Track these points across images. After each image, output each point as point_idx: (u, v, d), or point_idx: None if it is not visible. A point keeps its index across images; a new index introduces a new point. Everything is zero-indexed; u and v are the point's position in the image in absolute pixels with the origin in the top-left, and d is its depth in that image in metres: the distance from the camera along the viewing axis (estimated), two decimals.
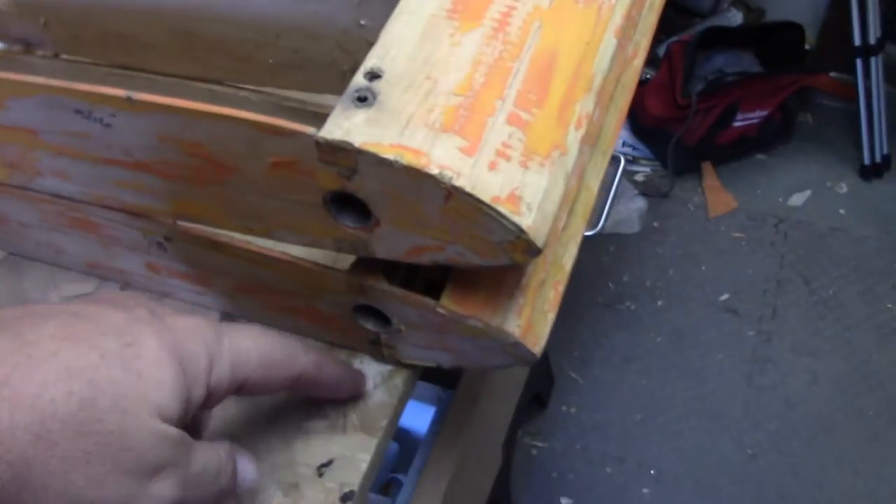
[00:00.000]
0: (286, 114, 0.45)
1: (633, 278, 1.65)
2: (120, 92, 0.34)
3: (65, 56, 0.51)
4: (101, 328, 0.30)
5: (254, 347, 0.34)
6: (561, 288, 0.39)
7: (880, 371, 1.49)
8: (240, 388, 0.34)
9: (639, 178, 1.81)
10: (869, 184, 1.77)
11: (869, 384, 1.47)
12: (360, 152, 0.31)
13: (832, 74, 1.84)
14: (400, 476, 0.62)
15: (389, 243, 0.34)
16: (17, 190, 0.41)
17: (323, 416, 0.40)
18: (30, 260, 0.47)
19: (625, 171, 1.81)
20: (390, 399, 0.41)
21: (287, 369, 0.35)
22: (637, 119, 1.80)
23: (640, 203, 1.73)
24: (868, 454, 1.38)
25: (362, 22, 0.39)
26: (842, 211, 1.74)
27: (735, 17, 1.90)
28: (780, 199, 1.76)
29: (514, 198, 0.31)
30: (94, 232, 0.42)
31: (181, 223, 0.39)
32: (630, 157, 1.83)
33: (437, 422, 0.61)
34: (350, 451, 0.39)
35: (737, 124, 1.76)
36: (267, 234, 0.37)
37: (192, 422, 0.33)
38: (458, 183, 0.30)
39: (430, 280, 0.38)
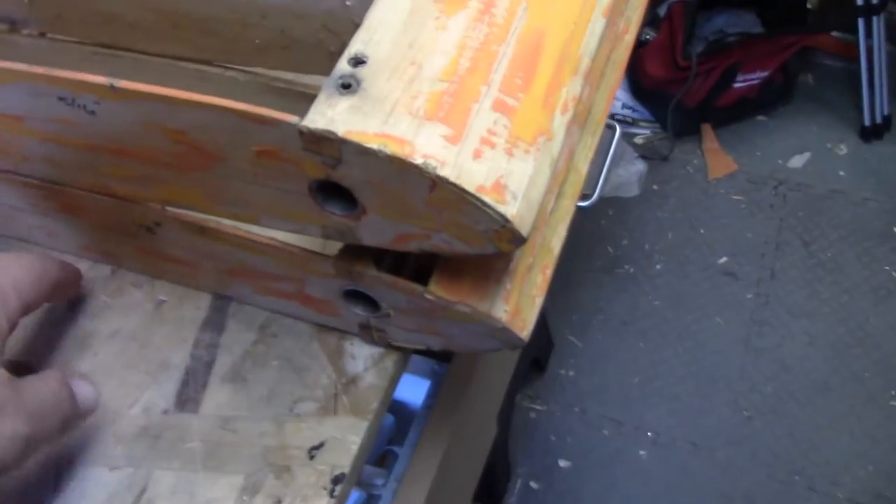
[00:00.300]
0: (274, 94, 0.45)
1: (632, 242, 1.65)
2: (102, 79, 0.33)
3: (49, 35, 0.50)
4: None
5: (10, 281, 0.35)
6: (549, 272, 0.39)
7: (876, 333, 1.49)
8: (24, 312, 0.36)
9: (638, 140, 1.80)
10: (869, 145, 1.76)
11: (865, 347, 1.48)
12: (343, 142, 0.30)
13: (834, 34, 1.82)
14: (396, 448, 0.63)
15: (376, 231, 0.34)
16: (5, 174, 0.41)
17: (314, 398, 0.41)
18: (24, 242, 0.47)
19: (624, 134, 1.80)
20: (381, 381, 0.41)
21: (48, 281, 0.38)
22: (637, 81, 1.78)
23: (640, 166, 1.72)
24: (863, 416, 1.40)
25: (347, 2, 0.39)
26: (841, 173, 1.73)
27: None
28: (780, 161, 1.76)
29: (499, 186, 0.31)
30: (83, 217, 0.42)
31: (169, 209, 0.39)
32: (629, 120, 1.81)
33: (432, 395, 0.61)
34: (341, 434, 0.39)
35: (737, 85, 1.74)
36: (254, 221, 0.37)
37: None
38: (443, 172, 0.30)
39: (419, 264, 0.38)
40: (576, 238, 1.57)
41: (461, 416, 0.61)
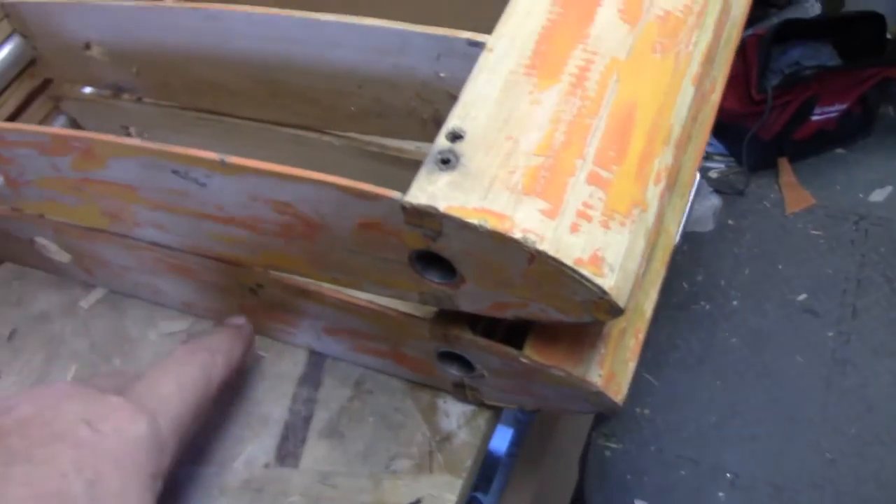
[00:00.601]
0: (368, 158, 0.47)
1: (707, 278, 1.63)
2: (213, 156, 0.35)
3: (147, 100, 0.53)
4: (61, 468, 0.31)
5: (177, 399, 0.37)
6: (641, 336, 0.39)
7: None
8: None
9: (713, 174, 1.79)
10: None
11: None
12: (444, 216, 0.32)
13: None
14: (480, 495, 0.63)
15: (473, 299, 0.35)
16: (117, 237, 0.43)
17: (409, 456, 0.42)
18: (129, 297, 0.49)
19: (698, 169, 1.78)
20: (474, 439, 0.42)
21: (211, 387, 0.39)
22: None
23: (715, 200, 1.70)
24: None
25: (441, 74, 0.40)
26: None
27: (813, 8, 1.85)
28: (861, 196, 1.72)
29: (597, 259, 0.31)
30: (189, 277, 0.44)
31: (272, 272, 0.41)
32: (704, 154, 1.80)
33: (516, 443, 0.62)
34: (437, 492, 0.40)
35: (815, 118, 1.72)
36: (355, 286, 0.38)
37: None
38: (542, 247, 0.31)
39: (511, 326, 0.39)
40: None
41: (546, 463, 0.61)
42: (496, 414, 0.43)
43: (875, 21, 1.68)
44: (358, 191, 0.33)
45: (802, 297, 1.59)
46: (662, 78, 0.37)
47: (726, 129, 1.76)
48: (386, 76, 0.41)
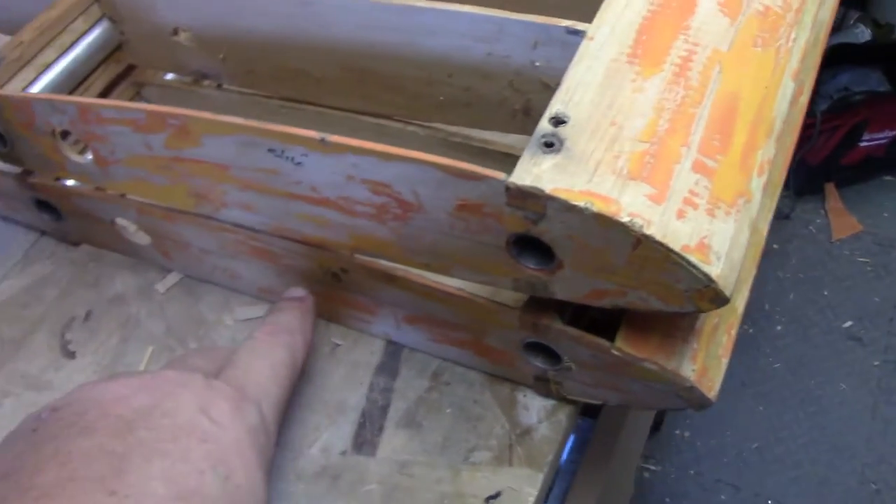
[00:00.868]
0: (452, 149, 0.46)
1: (751, 301, 1.59)
2: (313, 134, 0.35)
3: (228, 87, 0.53)
4: (197, 465, 0.30)
5: (273, 384, 0.37)
6: (733, 332, 0.38)
7: None
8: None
9: None
10: None
11: None
12: (549, 198, 0.31)
13: None
14: None
15: (570, 286, 0.35)
16: (201, 219, 0.43)
17: (489, 448, 0.41)
18: (205, 282, 0.49)
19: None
20: (555, 434, 0.41)
21: (298, 367, 0.40)
22: None
23: None
24: None
25: (537, 63, 0.40)
26: None
27: (862, 34, 1.84)
28: None
29: (703, 246, 0.31)
30: (271, 261, 0.44)
31: (358, 256, 0.41)
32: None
33: (576, 450, 0.61)
34: (517, 485, 0.40)
35: (863, 144, 1.70)
36: (446, 271, 0.38)
37: None
38: (649, 231, 0.30)
39: (594, 318, 0.39)
40: None
41: (610, 472, 0.61)
42: (577, 409, 0.43)
43: None
44: (460, 170, 0.33)
45: (848, 324, 1.56)
46: (764, 71, 0.37)
47: None
48: (479, 64, 0.41)
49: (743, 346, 1.53)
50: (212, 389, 0.33)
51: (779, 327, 1.57)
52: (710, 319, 0.38)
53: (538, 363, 0.40)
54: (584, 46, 0.36)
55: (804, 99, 0.47)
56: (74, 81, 0.48)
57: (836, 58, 1.67)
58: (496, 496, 0.39)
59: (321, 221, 0.39)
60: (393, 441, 0.42)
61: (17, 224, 0.53)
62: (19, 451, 0.30)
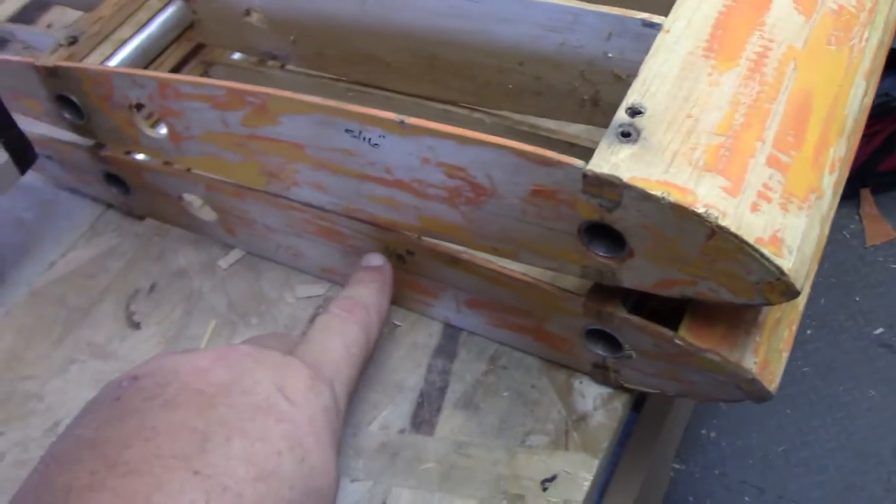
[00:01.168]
0: (519, 137, 0.47)
1: None
2: (392, 115, 0.36)
3: (294, 68, 0.54)
4: (275, 446, 0.31)
5: (346, 364, 0.37)
6: (794, 328, 0.39)
7: None
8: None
9: None
10: None
11: None
12: (626, 187, 0.32)
13: None
14: None
15: (639, 274, 0.35)
16: (270, 197, 0.44)
17: (545, 432, 0.42)
18: (266, 260, 0.50)
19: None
20: (610, 422, 0.42)
21: (371, 346, 0.40)
22: None
23: None
24: None
25: (609, 54, 0.40)
26: None
27: None
28: None
29: (776, 240, 0.32)
30: (337, 241, 0.45)
31: (425, 238, 0.41)
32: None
33: (618, 441, 0.61)
34: (572, 469, 0.40)
35: None
36: (512, 256, 0.38)
37: None
38: (724, 223, 0.31)
39: (654, 308, 0.39)
40: None
41: (650, 464, 0.61)
42: (632, 398, 0.43)
43: None
44: (537, 156, 0.34)
45: (879, 330, 1.56)
46: (837, 70, 0.37)
47: None
48: (551, 54, 0.42)
49: None
50: (288, 367, 0.34)
51: (809, 331, 1.56)
52: (772, 314, 0.38)
53: (598, 350, 0.41)
54: (661, 39, 0.37)
55: (868, 101, 0.47)
56: (148, 58, 0.49)
57: None
58: (552, 479, 0.40)
59: (392, 203, 0.40)
60: (451, 422, 0.43)
61: (84, 197, 0.55)
62: (104, 418, 0.31)
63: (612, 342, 0.40)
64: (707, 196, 0.31)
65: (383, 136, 0.37)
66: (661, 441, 0.63)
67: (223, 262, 0.50)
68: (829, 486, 1.37)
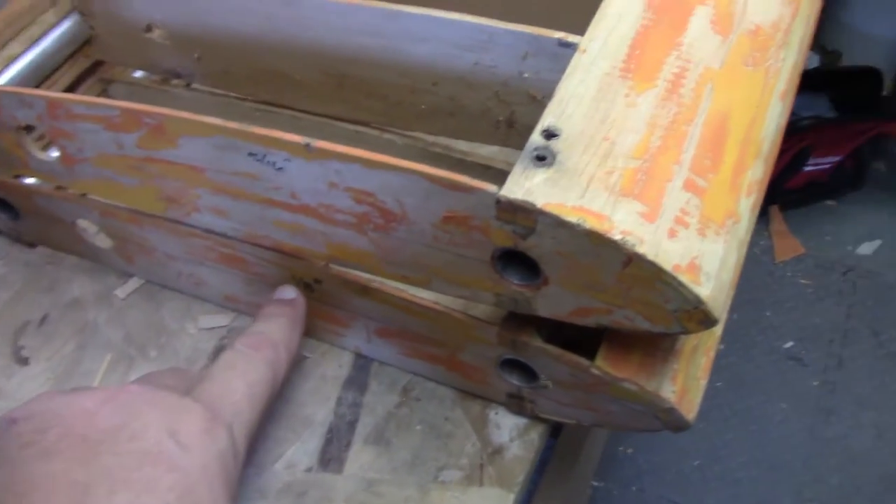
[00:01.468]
0: (432, 159, 0.46)
1: None
2: (298, 139, 0.34)
3: (195, 86, 0.51)
4: (162, 497, 0.29)
5: (248, 405, 0.35)
6: (712, 354, 0.38)
7: None
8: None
9: None
10: None
11: None
12: (541, 213, 0.31)
13: None
14: None
15: (554, 303, 0.34)
16: (170, 223, 0.42)
17: (459, 467, 0.40)
18: (167, 289, 0.47)
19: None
20: (526, 454, 0.41)
21: (278, 384, 0.38)
22: None
23: None
24: None
25: (525, 74, 0.39)
26: None
27: (811, 60, 1.88)
28: (850, 248, 1.74)
29: (694, 267, 0.31)
30: (240, 268, 0.42)
31: (334, 266, 0.40)
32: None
33: (535, 470, 0.60)
34: None
35: (807, 169, 1.74)
36: (425, 284, 0.37)
37: None
38: (640, 250, 0.30)
39: (569, 337, 0.38)
40: None
41: (567, 492, 0.60)
42: (548, 428, 0.42)
43: (872, 77, 1.71)
44: (449, 181, 0.32)
45: (789, 344, 1.59)
46: (754, 91, 0.37)
47: None
48: (465, 74, 0.40)
49: None
50: (182, 409, 0.32)
51: (722, 346, 1.58)
52: (689, 341, 0.37)
53: (513, 380, 0.40)
54: (577, 59, 0.36)
55: (783, 121, 0.47)
56: (41, 76, 0.46)
57: None
58: None
59: (298, 229, 0.38)
60: (361, 458, 0.41)
61: None
62: None
63: (527, 372, 0.39)
64: (623, 222, 0.30)
65: (288, 160, 0.35)
66: (579, 466, 0.62)
67: (120, 292, 0.48)
68: (744, 499, 1.39)
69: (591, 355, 0.36)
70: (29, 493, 0.27)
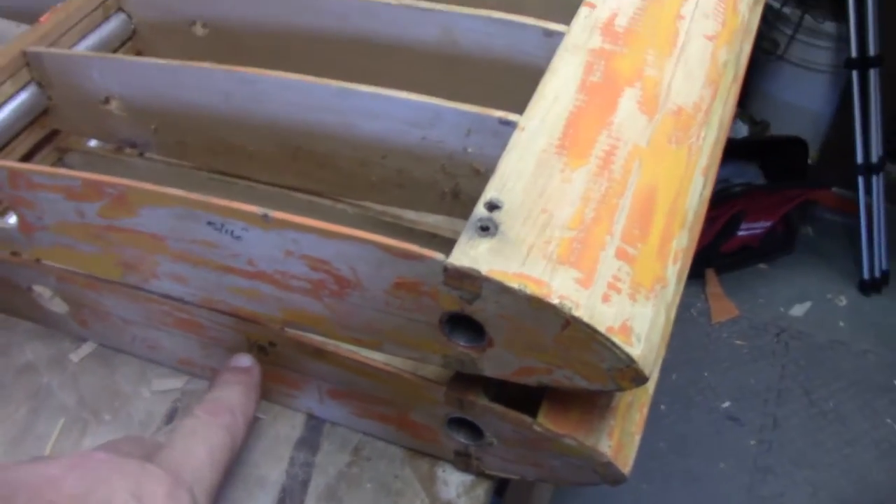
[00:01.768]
0: (382, 228, 0.48)
1: None
2: (255, 209, 0.36)
3: (154, 157, 0.53)
4: None
5: (209, 469, 0.37)
6: (645, 410, 0.41)
7: (879, 488, 1.50)
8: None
9: None
10: (868, 298, 1.81)
11: (868, 501, 1.48)
12: (486, 279, 0.33)
13: (834, 190, 1.89)
14: None
15: (499, 363, 0.36)
16: (126, 288, 0.43)
17: None
18: (121, 353, 0.48)
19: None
20: None
21: (237, 449, 0.39)
22: None
23: None
24: None
25: (469, 149, 0.42)
26: (841, 324, 1.77)
27: (741, 129, 1.96)
28: (782, 309, 1.80)
29: (626, 328, 0.33)
30: (197, 332, 0.44)
31: (288, 330, 0.41)
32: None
33: None
34: None
35: (740, 234, 1.80)
36: (377, 347, 0.39)
37: None
38: (577, 313, 0.32)
39: (512, 396, 0.40)
40: None
41: None
42: (494, 484, 0.44)
43: (798, 145, 1.79)
44: (400, 250, 0.34)
45: (727, 404, 1.63)
46: (678, 167, 0.40)
47: None
48: (413, 148, 0.43)
49: None
50: (146, 474, 0.33)
51: (662, 407, 1.62)
52: (624, 398, 0.40)
53: (461, 438, 0.41)
54: (517, 136, 0.39)
55: (707, 193, 0.51)
56: None
57: None
58: None
59: (254, 295, 0.40)
60: None
61: None
62: None
63: (473, 430, 0.41)
64: (561, 288, 0.33)
65: (246, 229, 0.37)
66: None
67: (74, 356, 0.49)
68: None
69: (533, 413, 0.38)
70: None
